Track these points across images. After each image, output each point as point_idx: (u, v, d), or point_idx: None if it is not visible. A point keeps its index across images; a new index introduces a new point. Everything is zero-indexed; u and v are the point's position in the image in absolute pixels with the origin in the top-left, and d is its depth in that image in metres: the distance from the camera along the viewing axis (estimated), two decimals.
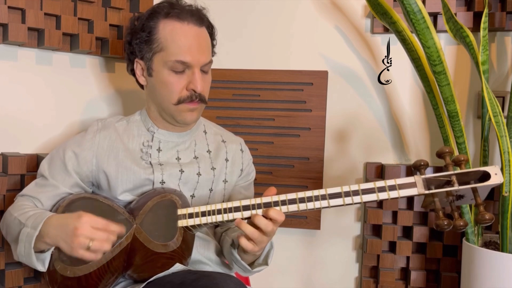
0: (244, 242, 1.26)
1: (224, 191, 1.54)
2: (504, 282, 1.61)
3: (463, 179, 1.15)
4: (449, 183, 1.15)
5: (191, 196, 1.48)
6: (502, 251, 1.70)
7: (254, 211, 1.26)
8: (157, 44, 1.41)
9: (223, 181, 1.53)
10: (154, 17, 1.43)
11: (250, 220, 1.26)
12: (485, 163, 1.81)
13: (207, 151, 1.54)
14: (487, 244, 1.81)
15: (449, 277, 1.96)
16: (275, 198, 1.25)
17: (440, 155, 1.18)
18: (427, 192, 1.16)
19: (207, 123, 1.63)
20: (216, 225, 1.58)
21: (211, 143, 1.56)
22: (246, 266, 1.39)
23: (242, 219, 1.27)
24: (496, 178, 1.12)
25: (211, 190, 1.51)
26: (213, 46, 1.53)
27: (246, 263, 1.39)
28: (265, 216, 1.25)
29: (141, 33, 1.44)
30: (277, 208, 1.25)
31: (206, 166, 1.50)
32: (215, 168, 1.52)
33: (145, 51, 1.44)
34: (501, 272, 1.62)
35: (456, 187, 1.14)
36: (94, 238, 1.20)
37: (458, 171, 1.15)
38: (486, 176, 1.13)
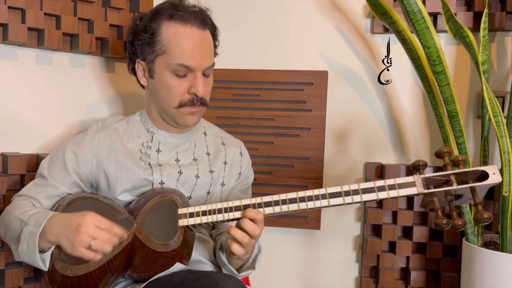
0: (235, 248, 1.27)
1: (221, 194, 1.54)
2: (504, 282, 1.61)
3: (462, 178, 1.16)
4: (447, 182, 1.16)
5: (188, 197, 1.48)
6: (502, 251, 1.69)
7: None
8: (160, 46, 1.40)
9: (220, 184, 1.53)
10: (157, 18, 1.42)
11: (238, 224, 1.27)
12: (485, 163, 1.81)
13: (206, 153, 1.53)
14: (487, 244, 1.81)
15: (449, 277, 1.96)
16: (276, 197, 1.26)
17: (439, 155, 1.19)
18: (426, 191, 1.16)
19: (207, 124, 1.63)
20: (212, 227, 1.59)
21: (211, 145, 1.56)
22: (233, 270, 1.39)
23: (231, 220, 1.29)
24: (494, 177, 1.12)
25: (208, 192, 1.51)
26: (215, 47, 1.52)
27: (234, 267, 1.40)
28: (244, 217, 1.26)
29: (143, 34, 1.43)
30: (277, 207, 1.25)
31: (205, 168, 1.50)
32: (213, 171, 1.51)
33: (147, 53, 1.43)
34: (501, 272, 1.62)
35: (454, 186, 1.14)
36: (96, 237, 1.20)
37: (457, 170, 1.16)
38: (484, 176, 1.13)
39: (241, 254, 1.28)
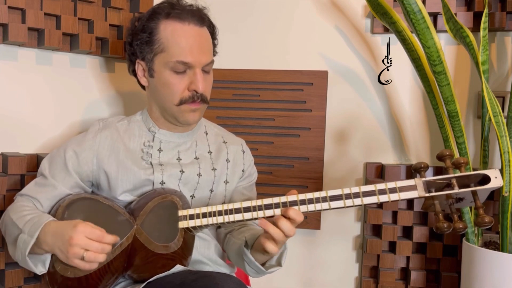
0: (270, 246, 1.25)
1: (225, 192, 1.54)
2: (504, 282, 1.61)
3: (463, 182, 1.15)
4: (449, 186, 1.15)
5: (191, 196, 1.47)
6: (502, 251, 1.70)
7: (255, 213, 1.26)
8: (158, 45, 1.41)
9: (224, 182, 1.53)
10: (155, 18, 1.43)
11: (273, 221, 1.25)
12: (485, 163, 1.81)
13: (208, 152, 1.53)
14: (487, 244, 1.81)
15: (449, 277, 1.96)
16: (276, 199, 1.25)
17: (440, 158, 1.18)
18: (427, 195, 1.16)
19: (208, 123, 1.63)
20: (218, 226, 1.58)
21: (212, 144, 1.56)
22: (260, 267, 1.36)
23: (263, 218, 1.27)
24: (496, 181, 1.12)
25: (211, 191, 1.51)
26: (214, 45, 1.52)
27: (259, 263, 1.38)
28: (284, 215, 1.24)
29: (141, 34, 1.43)
30: (278, 209, 1.25)
31: (207, 166, 1.50)
32: (216, 169, 1.51)
33: (146, 52, 1.44)
34: (501, 272, 1.62)
35: (456, 190, 1.14)
36: (88, 248, 1.19)
37: (458, 174, 1.16)
38: (486, 179, 1.13)
39: (275, 253, 1.26)
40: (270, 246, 1.25)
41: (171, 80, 1.41)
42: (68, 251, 1.19)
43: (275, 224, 1.24)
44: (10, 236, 1.34)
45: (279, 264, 1.40)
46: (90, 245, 1.19)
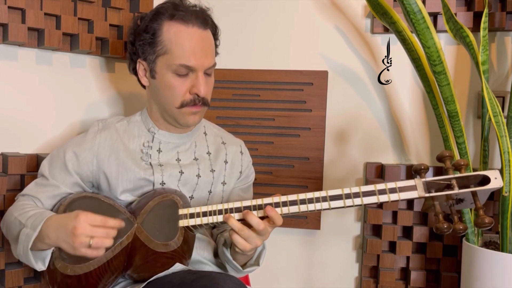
0: (235, 237, 1.26)
1: (223, 193, 1.54)
2: (504, 282, 1.61)
3: (463, 183, 1.16)
4: (449, 186, 1.15)
5: (190, 197, 1.48)
6: (502, 251, 1.70)
7: (255, 212, 1.26)
8: (161, 46, 1.40)
9: (221, 183, 1.53)
10: (158, 19, 1.41)
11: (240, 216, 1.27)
12: (485, 163, 1.81)
13: (207, 153, 1.53)
14: (487, 244, 1.81)
15: (449, 277, 1.96)
16: (276, 199, 1.26)
17: (440, 159, 1.19)
18: (427, 195, 1.16)
19: (207, 124, 1.63)
20: (213, 226, 1.58)
21: (211, 145, 1.56)
22: (238, 266, 1.39)
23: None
24: (495, 182, 1.12)
25: (210, 192, 1.51)
26: (216, 46, 1.51)
27: (239, 263, 1.39)
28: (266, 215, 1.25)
29: (144, 34, 1.42)
30: (278, 209, 1.25)
31: (206, 168, 1.50)
32: (214, 170, 1.51)
33: (148, 53, 1.42)
34: (501, 272, 1.62)
35: (456, 190, 1.14)
36: (94, 235, 1.20)
37: (458, 174, 1.16)
38: (485, 180, 1.13)
39: (244, 248, 1.27)
40: (235, 237, 1.26)
41: (173, 83, 1.40)
42: (73, 241, 1.20)
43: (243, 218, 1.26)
44: (12, 233, 1.34)
45: (257, 263, 1.41)
46: (95, 232, 1.20)
